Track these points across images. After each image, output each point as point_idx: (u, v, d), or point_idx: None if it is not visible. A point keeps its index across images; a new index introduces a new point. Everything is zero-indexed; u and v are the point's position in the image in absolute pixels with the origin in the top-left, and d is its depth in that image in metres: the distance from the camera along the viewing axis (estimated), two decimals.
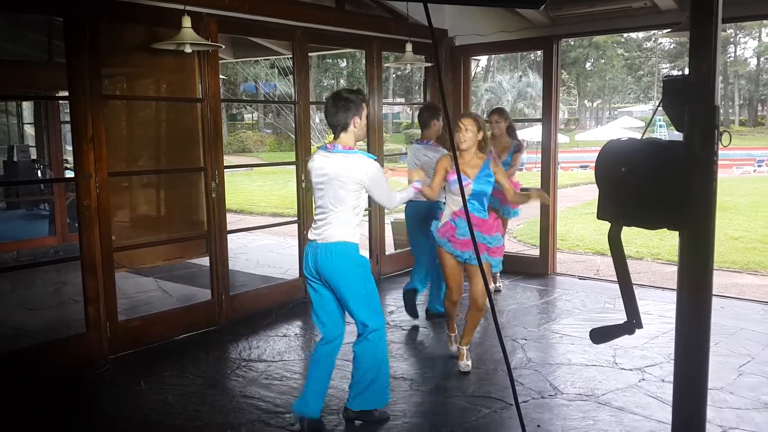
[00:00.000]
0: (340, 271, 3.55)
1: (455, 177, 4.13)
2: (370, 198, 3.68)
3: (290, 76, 7.93)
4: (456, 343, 4.75)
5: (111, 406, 4.18)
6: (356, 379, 3.72)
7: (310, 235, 3.67)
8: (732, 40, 49.48)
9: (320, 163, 3.59)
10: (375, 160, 3.65)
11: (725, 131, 1.47)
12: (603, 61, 51.49)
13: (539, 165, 7.28)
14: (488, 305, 3.87)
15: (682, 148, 1.47)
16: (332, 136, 3.67)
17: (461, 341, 4.58)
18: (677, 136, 1.54)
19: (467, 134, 4.27)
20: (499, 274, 6.48)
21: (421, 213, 5.40)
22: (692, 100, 1.46)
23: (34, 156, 10.44)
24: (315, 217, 3.68)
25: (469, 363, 4.51)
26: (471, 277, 4.39)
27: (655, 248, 8.97)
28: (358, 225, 3.64)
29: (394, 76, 40.91)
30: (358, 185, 3.52)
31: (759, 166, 27.86)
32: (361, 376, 3.69)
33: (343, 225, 3.56)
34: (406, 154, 6.37)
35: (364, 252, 3.67)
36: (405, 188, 4.03)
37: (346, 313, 3.70)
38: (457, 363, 4.54)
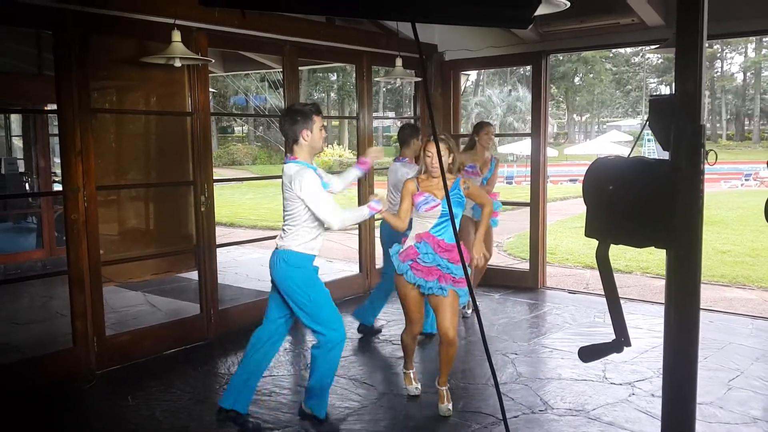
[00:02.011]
0: (285, 279, 3.69)
1: (423, 198, 3.94)
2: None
3: (280, 90, 7.94)
4: (416, 382, 4.38)
5: (98, 421, 4.14)
6: (310, 383, 3.83)
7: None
8: (719, 55, 50.10)
9: (284, 174, 3.75)
10: (313, 170, 3.69)
11: (711, 150, 1.48)
12: (591, 75, 51.95)
13: (528, 178, 7.31)
14: (458, 338, 4.01)
15: (669, 167, 1.48)
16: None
17: (439, 381, 4.09)
18: (665, 151, 1.55)
19: (435, 160, 3.94)
20: (465, 305, 6.11)
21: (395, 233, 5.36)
22: (678, 119, 1.47)
23: (22, 169, 10.37)
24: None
25: (450, 406, 4.04)
26: (437, 308, 3.96)
27: (644, 262, 9.00)
28: (314, 238, 3.73)
29: (384, 89, 41.04)
30: (298, 198, 3.63)
31: (746, 180, 28.10)
32: (315, 381, 3.79)
33: (294, 235, 3.71)
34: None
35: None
36: (357, 208, 4.04)
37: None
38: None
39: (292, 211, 3.69)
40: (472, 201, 4.47)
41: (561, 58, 45.78)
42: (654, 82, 52.84)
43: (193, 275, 5.78)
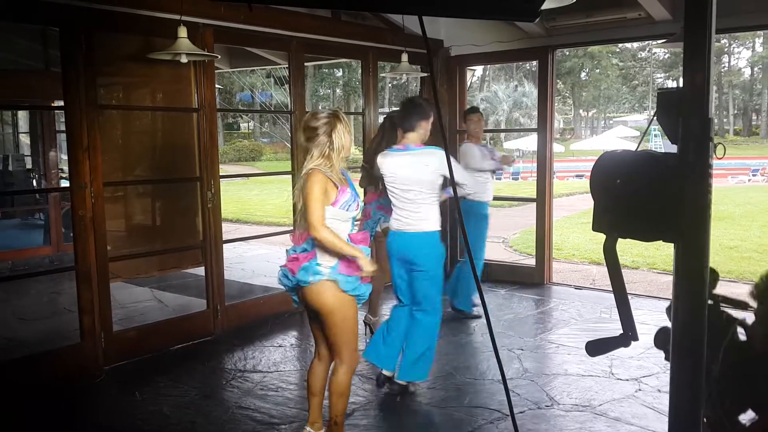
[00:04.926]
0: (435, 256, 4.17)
1: (348, 195, 3.15)
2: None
3: (286, 86, 7.95)
4: None
5: (105, 417, 4.16)
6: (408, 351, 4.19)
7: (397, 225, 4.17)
8: (726, 50, 49.76)
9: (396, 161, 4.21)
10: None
11: (719, 143, 1.47)
12: (598, 70, 51.70)
13: (535, 174, 7.30)
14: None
15: (677, 160, 1.47)
16: None
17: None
18: (673, 145, 1.54)
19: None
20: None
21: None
22: (686, 113, 1.46)
23: (29, 165, 10.42)
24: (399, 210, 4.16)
25: None
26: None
27: (650, 258, 8.98)
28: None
29: (390, 85, 40.98)
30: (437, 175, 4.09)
31: (753, 175, 27.93)
32: (413, 349, 4.17)
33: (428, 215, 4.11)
34: None
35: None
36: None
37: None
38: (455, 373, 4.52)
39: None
40: None
41: (567, 53, 45.61)
42: (661, 77, 52.57)
43: (200, 271, 5.79)
